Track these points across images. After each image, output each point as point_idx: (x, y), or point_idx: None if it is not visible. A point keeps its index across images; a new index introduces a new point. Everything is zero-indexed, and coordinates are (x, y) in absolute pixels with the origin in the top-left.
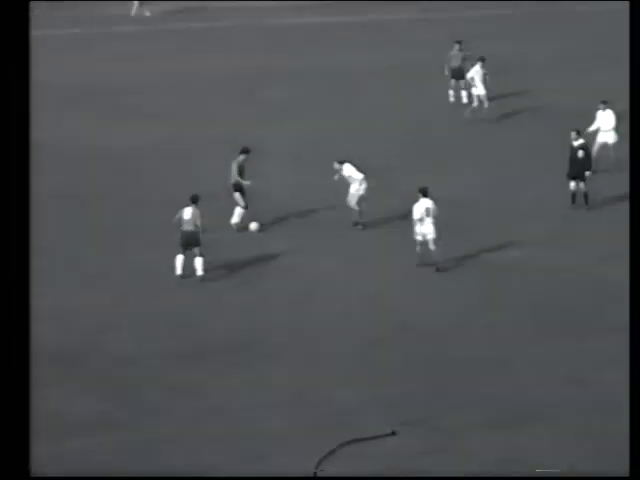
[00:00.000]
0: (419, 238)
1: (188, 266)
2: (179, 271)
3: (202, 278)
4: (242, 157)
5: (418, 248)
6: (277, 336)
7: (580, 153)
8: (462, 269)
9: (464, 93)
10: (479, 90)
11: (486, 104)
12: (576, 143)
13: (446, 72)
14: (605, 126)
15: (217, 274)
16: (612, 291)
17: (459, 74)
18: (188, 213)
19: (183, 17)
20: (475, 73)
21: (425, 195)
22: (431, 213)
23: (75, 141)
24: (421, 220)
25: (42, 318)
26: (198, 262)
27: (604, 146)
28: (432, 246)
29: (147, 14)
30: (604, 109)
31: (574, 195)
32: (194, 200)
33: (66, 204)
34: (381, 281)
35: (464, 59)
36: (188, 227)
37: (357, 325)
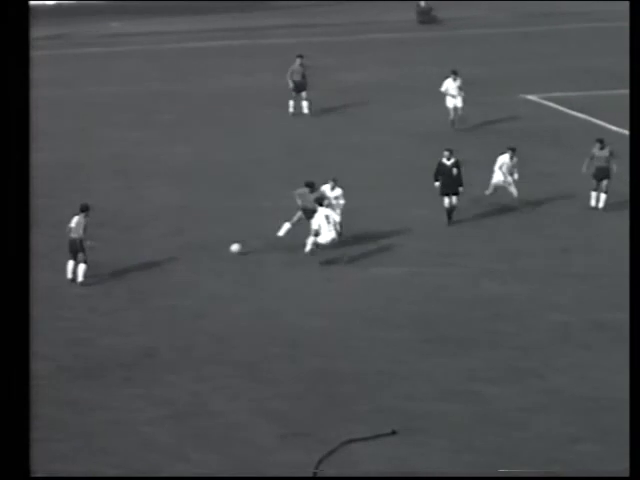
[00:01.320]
0: (327, 240)
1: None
2: (69, 275)
3: (82, 283)
4: (304, 189)
5: (310, 249)
6: (168, 351)
7: (454, 171)
8: (350, 285)
9: (305, 104)
10: (450, 102)
11: (452, 115)
12: (449, 162)
13: (290, 85)
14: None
15: (114, 289)
16: (491, 307)
17: (301, 87)
18: (74, 221)
19: (62, 43)
20: (447, 86)
21: (321, 204)
22: (331, 221)
23: None
24: (322, 228)
25: None
26: (81, 268)
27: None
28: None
29: None
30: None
31: (449, 212)
32: (83, 209)
33: None
34: (272, 298)
35: (304, 74)
36: (74, 235)
37: (247, 341)
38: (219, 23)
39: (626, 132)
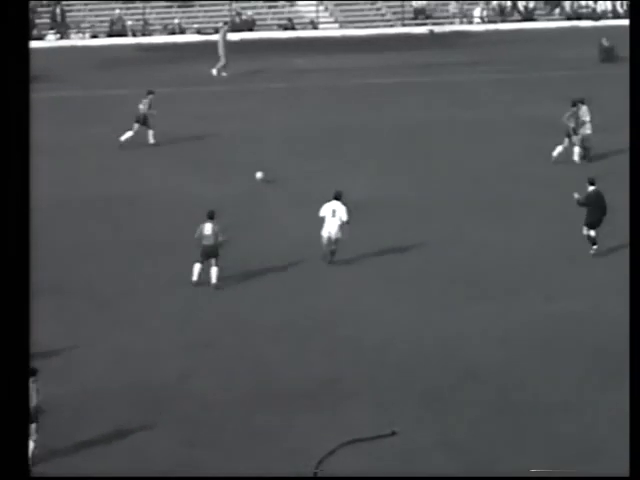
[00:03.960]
0: (324, 235)
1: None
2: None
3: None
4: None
5: (324, 245)
6: (354, 376)
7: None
8: (530, 316)
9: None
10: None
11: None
12: (588, 190)
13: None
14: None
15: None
16: None
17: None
18: (209, 229)
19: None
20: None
21: (337, 198)
22: (337, 214)
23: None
24: (327, 219)
25: (131, 358)
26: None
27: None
28: (333, 246)
29: (223, 74)
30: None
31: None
32: (210, 216)
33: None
34: (455, 324)
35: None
36: (207, 241)
37: (428, 369)
38: (395, 60)
39: None
